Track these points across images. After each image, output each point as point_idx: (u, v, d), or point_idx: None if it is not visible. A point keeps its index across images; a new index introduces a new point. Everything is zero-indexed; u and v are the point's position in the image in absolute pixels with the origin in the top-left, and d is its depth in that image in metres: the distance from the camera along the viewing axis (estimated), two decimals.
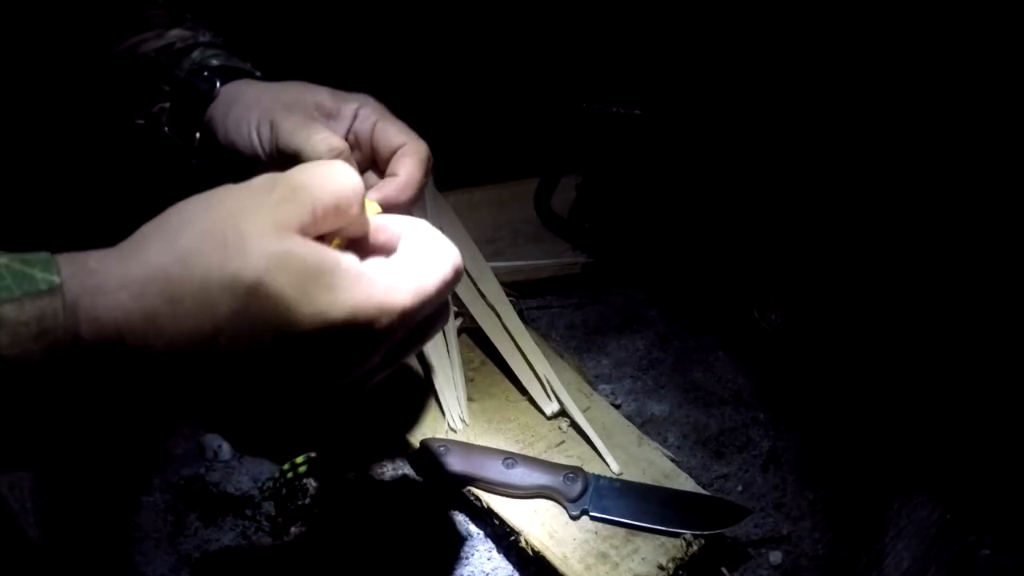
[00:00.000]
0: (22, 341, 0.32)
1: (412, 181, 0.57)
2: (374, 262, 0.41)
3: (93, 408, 0.36)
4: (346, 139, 0.58)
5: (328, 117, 0.58)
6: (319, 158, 0.53)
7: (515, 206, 0.97)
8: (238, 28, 0.70)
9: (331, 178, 0.40)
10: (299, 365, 0.38)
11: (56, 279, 0.33)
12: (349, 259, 0.39)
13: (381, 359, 0.42)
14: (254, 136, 0.57)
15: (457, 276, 0.43)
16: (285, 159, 0.55)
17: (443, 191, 0.93)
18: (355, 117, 0.59)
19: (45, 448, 0.37)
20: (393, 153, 0.58)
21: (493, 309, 0.82)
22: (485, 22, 1.01)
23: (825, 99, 0.83)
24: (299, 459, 0.70)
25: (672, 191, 0.93)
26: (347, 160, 0.55)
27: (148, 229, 0.37)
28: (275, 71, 0.64)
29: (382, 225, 0.45)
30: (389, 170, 0.58)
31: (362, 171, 0.60)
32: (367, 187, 0.60)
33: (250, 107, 0.58)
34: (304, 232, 0.38)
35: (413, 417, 0.75)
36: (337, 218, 0.40)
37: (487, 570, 0.67)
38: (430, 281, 0.41)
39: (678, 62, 0.91)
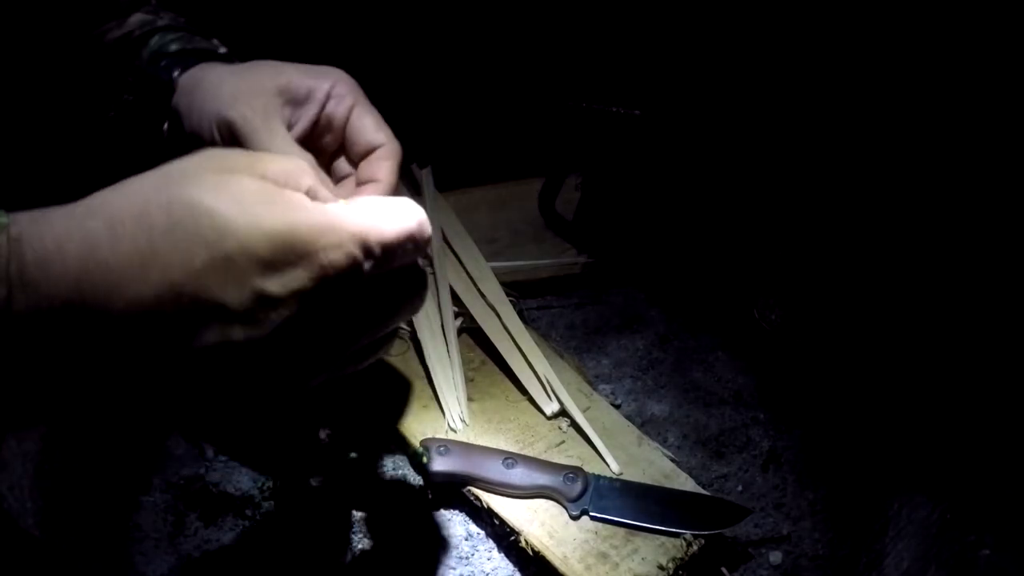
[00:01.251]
0: None
1: (390, 187, 0.56)
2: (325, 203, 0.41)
3: (43, 356, 0.35)
4: (317, 122, 0.56)
5: (296, 102, 0.56)
6: None
7: (515, 206, 0.97)
8: (226, 16, 0.69)
9: (281, 156, 0.41)
10: (237, 293, 0.36)
11: (3, 220, 0.34)
12: (294, 192, 0.39)
13: (355, 321, 0.40)
14: (215, 135, 0.55)
15: (422, 229, 0.41)
16: None
17: (443, 191, 0.93)
18: (328, 97, 0.56)
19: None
20: (368, 149, 0.56)
21: (493, 309, 0.82)
22: (485, 22, 1.01)
23: (825, 99, 0.83)
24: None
25: (672, 191, 0.93)
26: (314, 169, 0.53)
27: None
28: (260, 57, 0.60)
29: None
30: (368, 173, 0.56)
31: (332, 155, 0.59)
32: (337, 175, 0.59)
33: (210, 99, 0.56)
34: None
35: (413, 417, 0.75)
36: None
37: (487, 570, 0.67)
38: (388, 220, 0.39)
39: (678, 62, 0.91)
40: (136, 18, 0.63)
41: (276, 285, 0.36)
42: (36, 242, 0.34)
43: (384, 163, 0.56)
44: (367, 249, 0.38)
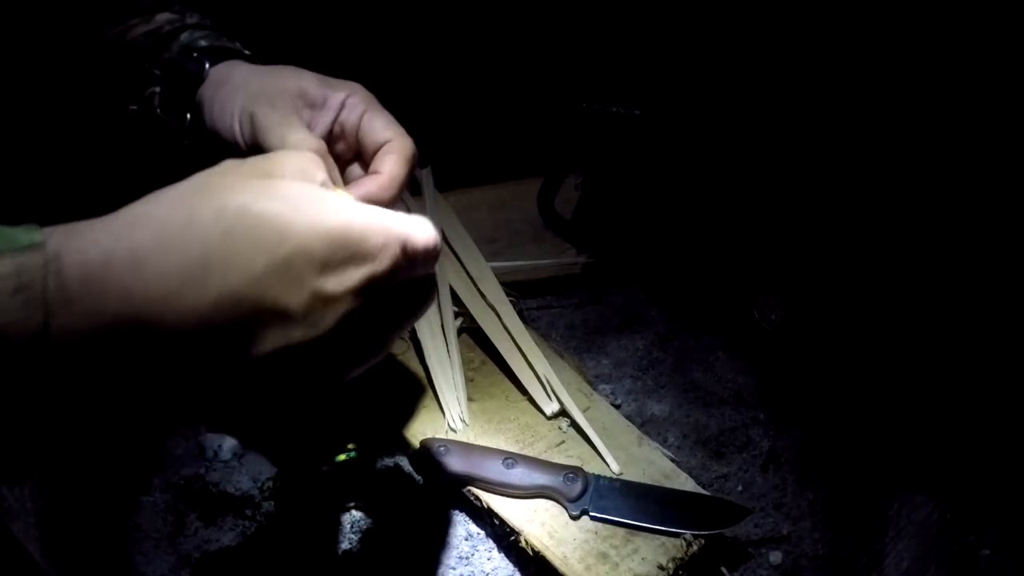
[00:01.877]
0: (0, 296, 0.30)
1: (395, 179, 0.56)
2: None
3: (84, 386, 0.33)
4: (332, 129, 0.57)
5: (313, 107, 0.57)
6: None
7: (515, 206, 0.97)
8: (237, 20, 0.70)
9: (295, 154, 0.41)
10: (297, 295, 0.36)
11: (38, 237, 0.32)
12: (338, 191, 0.39)
13: (376, 321, 0.40)
14: (235, 126, 0.56)
15: (437, 248, 0.42)
16: (262, 153, 0.54)
17: (443, 191, 0.93)
18: (342, 106, 0.58)
19: (38, 436, 0.34)
20: (378, 148, 0.57)
21: (493, 309, 0.82)
22: (485, 22, 1.01)
23: (825, 99, 0.83)
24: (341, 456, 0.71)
25: (672, 191, 0.93)
26: (323, 158, 0.54)
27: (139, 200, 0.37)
28: (270, 61, 0.63)
29: None
30: (373, 167, 0.57)
31: (347, 162, 0.60)
32: (350, 180, 0.60)
33: (235, 92, 0.57)
34: None
35: (413, 417, 0.75)
36: None
37: (487, 570, 0.67)
38: (420, 230, 0.40)
39: (678, 62, 0.91)
40: (163, 16, 0.64)
41: (333, 284, 0.37)
42: (78, 257, 0.32)
43: (389, 156, 0.56)
44: (408, 251, 0.39)
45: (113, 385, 0.34)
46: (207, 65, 0.60)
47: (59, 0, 0.64)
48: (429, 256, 0.41)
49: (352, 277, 0.37)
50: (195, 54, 0.61)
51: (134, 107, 0.63)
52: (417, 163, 0.58)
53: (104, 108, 0.65)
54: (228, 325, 0.35)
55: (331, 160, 0.55)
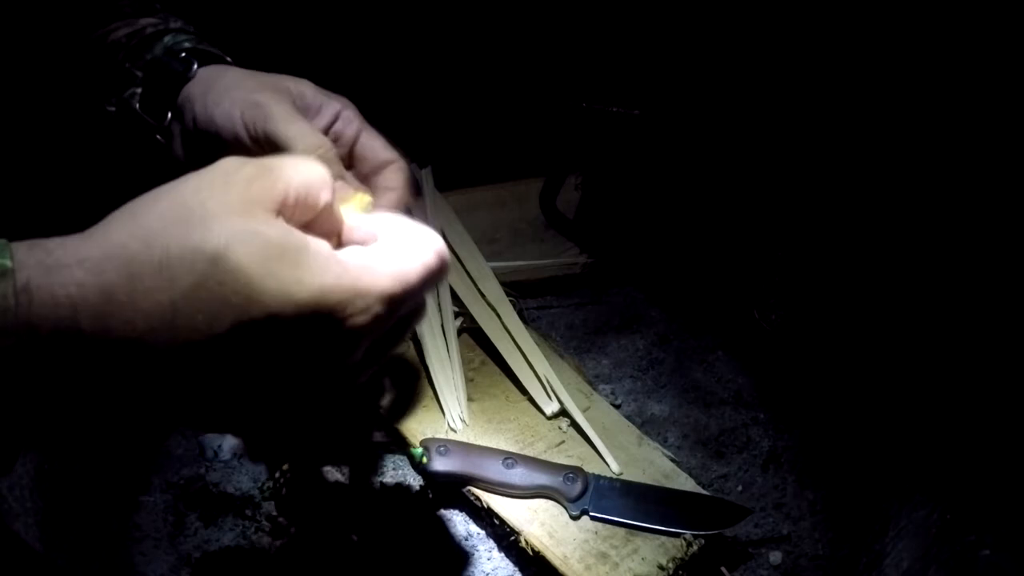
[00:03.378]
0: None
1: (405, 194, 0.58)
2: (349, 249, 0.40)
3: (54, 402, 0.34)
4: (325, 135, 0.58)
5: (308, 110, 0.58)
6: (306, 153, 0.52)
7: (515, 206, 0.97)
8: (226, 26, 0.70)
9: (303, 165, 0.39)
10: (265, 354, 0.36)
11: (8, 263, 0.32)
12: (319, 242, 0.37)
13: (364, 354, 0.39)
14: (238, 117, 0.55)
15: (442, 264, 0.41)
16: (269, 146, 0.54)
17: (443, 191, 0.93)
18: (336, 117, 0.59)
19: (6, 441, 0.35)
20: (379, 165, 0.59)
21: (493, 309, 0.82)
22: (485, 22, 1.01)
23: (825, 99, 0.83)
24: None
25: (671, 191, 0.93)
26: (332, 158, 0.54)
27: (115, 213, 0.36)
28: (259, 66, 0.63)
29: (357, 224, 0.43)
30: (383, 182, 0.58)
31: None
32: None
33: (232, 88, 0.57)
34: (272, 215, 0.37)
35: (413, 417, 0.75)
36: (306, 210, 0.39)
37: (487, 570, 0.67)
38: (411, 266, 0.39)
39: (677, 62, 0.91)
40: (146, 19, 0.64)
41: (302, 345, 0.37)
42: (47, 293, 0.33)
43: (398, 174, 0.59)
44: (393, 304, 0.38)
45: (74, 399, 0.35)
46: (195, 65, 0.60)
47: (41, 5, 0.64)
48: (430, 282, 0.41)
49: (323, 339, 0.37)
50: (183, 54, 0.61)
51: (112, 108, 0.62)
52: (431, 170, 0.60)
53: (81, 109, 0.64)
54: (194, 370, 0.36)
55: (339, 162, 0.56)
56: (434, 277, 0.41)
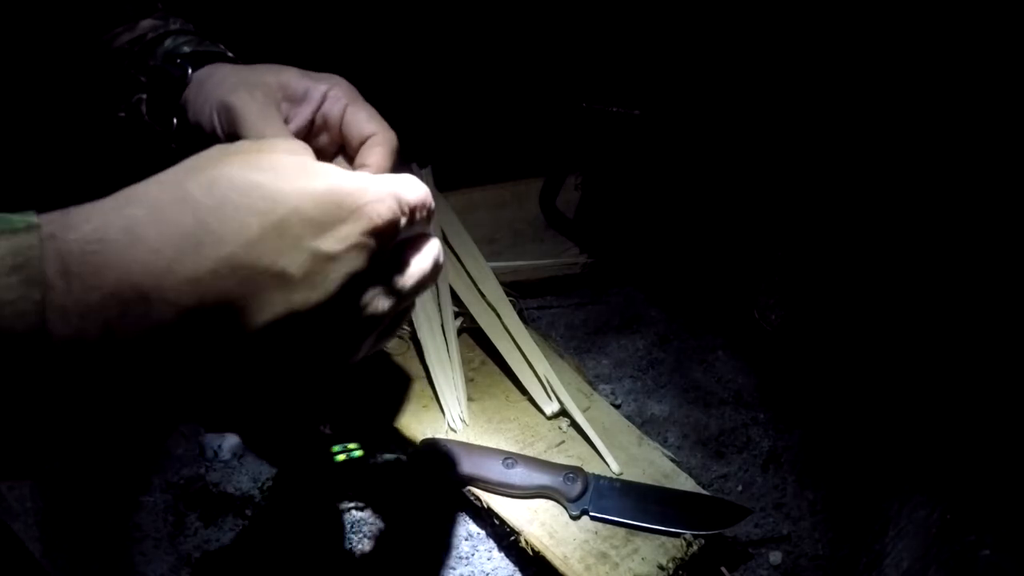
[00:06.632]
0: None
1: (382, 172, 0.56)
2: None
3: (84, 367, 0.33)
4: (313, 121, 0.58)
5: (293, 100, 0.57)
6: None
7: (515, 206, 0.97)
8: (229, 25, 0.70)
9: (285, 140, 0.43)
10: (293, 256, 0.36)
11: (34, 219, 0.32)
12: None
13: (378, 288, 0.41)
14: (215, 117, 0.56)
15: (429, 200, 0.44)
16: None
17: (443, 191, 0.93)
18: (324, 99, 0.58)
19: (38, 421, 0.33)
20: (363, 141, 0.57)
21: (493, 309, 0.82)
22: (485, 22, 1.01)
23: (825, 99, 0.83)
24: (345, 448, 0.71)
25: (672, 191, 0.93)
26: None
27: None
28: (260, 61, 0.63)
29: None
30: (359, 160, 0.57)
31: (331, 155, 0.60)
32: None
33: (215, 87, 0.57)
34: None
35: (413, 417, 0.75)
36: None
37: (487, 570, 0.67)
38: (408, 188, 0.42)
39: (677, 62, 0.91)
40: (147, 23, 0.64)
41: (331, 243, 0.37)
42: (73, 234, 0.33)
43: (375, 149, 0.57)
44: (402, 205, 0.41)
45: (113, 365, 0.34)
46: (190, 70, 0.60)
47: (46, 10, 0.64)
48: (422, 209, 0.43)
49: (349, 234, 0.38)
50: (178, 60, 0.61)
51: (122, 114, 0.63)
52: (400, 156, 0.58)
53: (93, 115, 0.65)
54: (227, 293, 0.35)
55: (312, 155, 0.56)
56: (427, 207, 0.44)
